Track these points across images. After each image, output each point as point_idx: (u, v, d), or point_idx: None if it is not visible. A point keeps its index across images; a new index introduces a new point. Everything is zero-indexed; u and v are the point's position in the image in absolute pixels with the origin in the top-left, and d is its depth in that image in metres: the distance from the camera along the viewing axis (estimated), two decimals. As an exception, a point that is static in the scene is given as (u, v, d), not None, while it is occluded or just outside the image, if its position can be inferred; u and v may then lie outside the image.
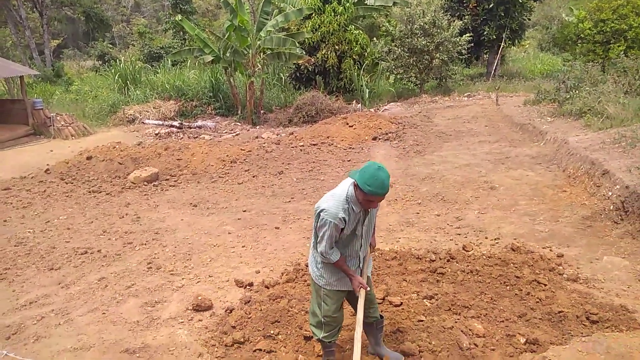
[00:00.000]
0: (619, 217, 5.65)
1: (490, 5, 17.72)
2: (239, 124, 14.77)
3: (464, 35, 15.96)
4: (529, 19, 19.75)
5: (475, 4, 18.27)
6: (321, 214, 2.93)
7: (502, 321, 3.87)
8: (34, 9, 28.00)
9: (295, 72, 17.24)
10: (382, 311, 3.80)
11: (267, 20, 14.68)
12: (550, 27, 24.47)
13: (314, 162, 9.43)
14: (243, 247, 5.82)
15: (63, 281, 5.13)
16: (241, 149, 10.45)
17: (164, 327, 4.17)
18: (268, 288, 4.67)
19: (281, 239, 6.00)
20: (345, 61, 16.16)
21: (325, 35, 15.84)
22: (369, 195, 2.80)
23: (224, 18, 25.65)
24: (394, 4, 16.82)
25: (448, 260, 4.97)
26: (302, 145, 10.49)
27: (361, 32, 16.92)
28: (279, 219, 6.66)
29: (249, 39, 14.10)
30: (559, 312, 3.92)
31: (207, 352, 3.79)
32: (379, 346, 3.53)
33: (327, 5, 15.87)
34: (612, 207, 5.84)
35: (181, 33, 24.34)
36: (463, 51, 16.26)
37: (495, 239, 5.52)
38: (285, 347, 3.76)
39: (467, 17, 17.34)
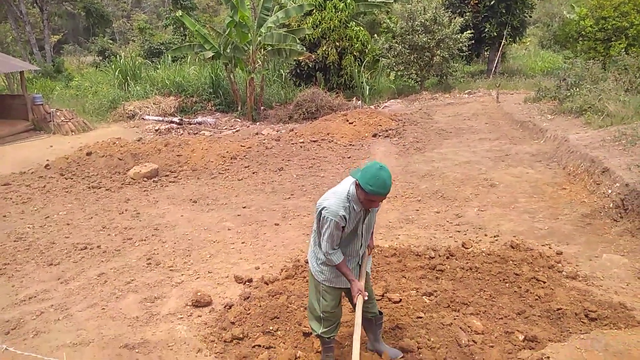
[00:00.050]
0: (619, 214, 5.65)
1: (492, 2, 17.63)
2: (239, 120, 14.74)
3: (465, 32, 15.92)
4: (530, 16, 19.67)
5: (477, 1, 18.19)
6: (322, 211, 2.94)
7: (501, 318, 3.89)
8: (35, 5, 27.92)
9: (296, 68, 17.20)
10: (381, 308, 3.81)
11: (267, 16, 14.62)
12: (551, 25, 24.37)
13: (314, 158, 9.42)
14: (243, 243, 5.83)
15: (62, 276, 5.14)
16: (241, 145, 10.44)
17: (163, 323, 4.18)
18: (267, 284, 4.68)
19: (281, 235, 6.01)
20: (345, 58, 16.13)
21: (326, 31, 15.81)
22: (370, 195, 2.80)
23: (225, 14, 25.60)
24: (395, 0, 16.77)
25: (447, 257, 4.98)
26: (302, 142, 10.47)
27: (362, 28, 16.87)
28: (278, 216, 6.66)
29: (249, 35, 14.06)
30: (558, 309, 3.93)
31: (206, 347, 3.80)
32: (378, 342, 3.54)
33: (328, 2, 15.84)
34: (611, 204, 5.84)
35: (181, 29, 24.27)
36: (464, 48, 16.20)
37: (494, 236, 5.53)
38: (284, 343, 3.77)
39: (468, 14, 17.30)
